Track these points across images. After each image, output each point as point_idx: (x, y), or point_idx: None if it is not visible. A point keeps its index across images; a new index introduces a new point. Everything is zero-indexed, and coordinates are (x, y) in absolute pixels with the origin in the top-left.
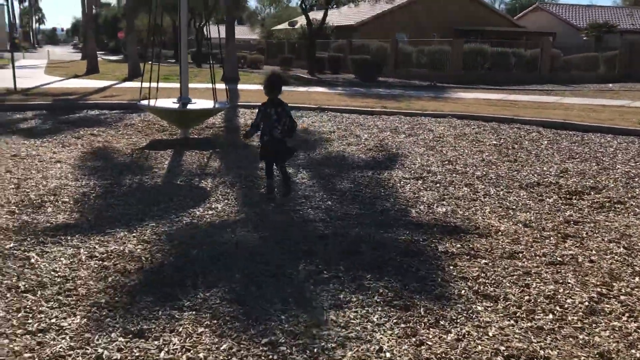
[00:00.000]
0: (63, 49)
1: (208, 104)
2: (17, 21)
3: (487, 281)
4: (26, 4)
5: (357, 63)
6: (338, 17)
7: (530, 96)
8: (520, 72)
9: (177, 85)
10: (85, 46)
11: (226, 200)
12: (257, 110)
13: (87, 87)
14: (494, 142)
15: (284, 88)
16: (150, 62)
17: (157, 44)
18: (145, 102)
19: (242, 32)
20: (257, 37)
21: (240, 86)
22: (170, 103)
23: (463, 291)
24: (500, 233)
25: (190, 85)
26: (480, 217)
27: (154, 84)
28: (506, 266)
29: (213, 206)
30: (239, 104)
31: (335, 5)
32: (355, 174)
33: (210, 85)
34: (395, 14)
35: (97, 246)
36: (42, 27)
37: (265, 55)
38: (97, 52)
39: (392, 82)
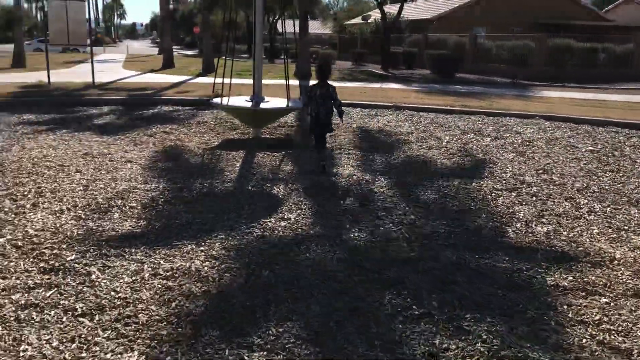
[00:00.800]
0: (141, 43)
1: (281, 102)
2: (100, 16)
3: (612, 328)
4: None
5: (434, 58)
6: (413, 10)
7: (623, 95)
8: (609, 69)
9: (250, 81)
10: (162, 41)
11: (299, 210)
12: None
13: (162, 82)
14: (590, 147)
15: (358, 84)
16: (223, 58)
17: (231, 40)
18: (217, 100)
19: (314, 27)
20: (329, 31)
21: (313, 82)
22: (243, 101)
23: (584, 340)
24: (616, 262)
25: (263, 81)
26: (588, 240)
27: (226, 80)
28: (633, 307)
29: (286, 216)
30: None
31: None
32: (440, 182)
33: (282, 82)
34: (472, 8)
35: (162, 261)
36: (122, 22)
37: (338, 50)
38: (173, 47)
39: (471, 78)
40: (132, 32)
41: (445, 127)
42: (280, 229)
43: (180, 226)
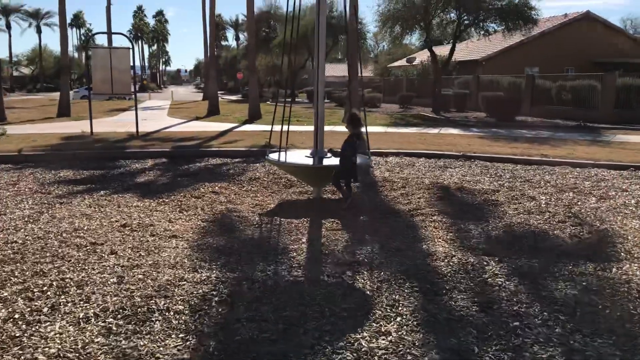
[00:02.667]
0: (186, 88)
1: None
2: (146, 63)
3: None
4: (154, 47)
5: (490, 100)
6: (462, 52)
7: None
8: None
9: (298, 128)
10: (207, 87)
11: (399, 318)
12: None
13: (208, 130)
14: None
15: (412, 129)
16: (273, 103)
17: (279, 85)
18: (274, 155)
19: None
20: (370, 74)
21: (362, 129)
22: (303, 157)
23: None
24: None
25: (310, 127)
26: None
27: (278, 129)
28: None
29: (383, 329)
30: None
31: (461, 40)
32: (569, 268)
33: (330, 128)
34: (524, 48)
35: None
36: (167, 68)
37: (382, 93)
38: (217, 92)
39: (532, 121)
40: (176, 78)
41: (534, 183)
42: (380, 352)
43: (243, 347)
